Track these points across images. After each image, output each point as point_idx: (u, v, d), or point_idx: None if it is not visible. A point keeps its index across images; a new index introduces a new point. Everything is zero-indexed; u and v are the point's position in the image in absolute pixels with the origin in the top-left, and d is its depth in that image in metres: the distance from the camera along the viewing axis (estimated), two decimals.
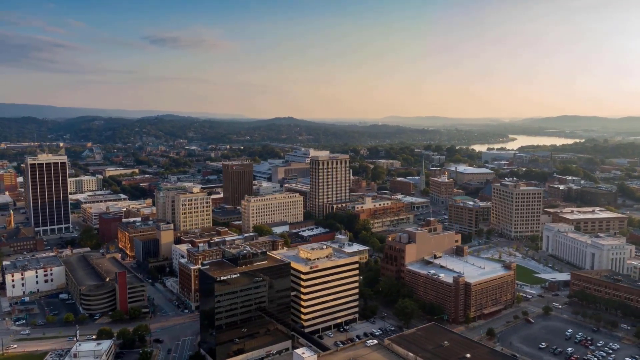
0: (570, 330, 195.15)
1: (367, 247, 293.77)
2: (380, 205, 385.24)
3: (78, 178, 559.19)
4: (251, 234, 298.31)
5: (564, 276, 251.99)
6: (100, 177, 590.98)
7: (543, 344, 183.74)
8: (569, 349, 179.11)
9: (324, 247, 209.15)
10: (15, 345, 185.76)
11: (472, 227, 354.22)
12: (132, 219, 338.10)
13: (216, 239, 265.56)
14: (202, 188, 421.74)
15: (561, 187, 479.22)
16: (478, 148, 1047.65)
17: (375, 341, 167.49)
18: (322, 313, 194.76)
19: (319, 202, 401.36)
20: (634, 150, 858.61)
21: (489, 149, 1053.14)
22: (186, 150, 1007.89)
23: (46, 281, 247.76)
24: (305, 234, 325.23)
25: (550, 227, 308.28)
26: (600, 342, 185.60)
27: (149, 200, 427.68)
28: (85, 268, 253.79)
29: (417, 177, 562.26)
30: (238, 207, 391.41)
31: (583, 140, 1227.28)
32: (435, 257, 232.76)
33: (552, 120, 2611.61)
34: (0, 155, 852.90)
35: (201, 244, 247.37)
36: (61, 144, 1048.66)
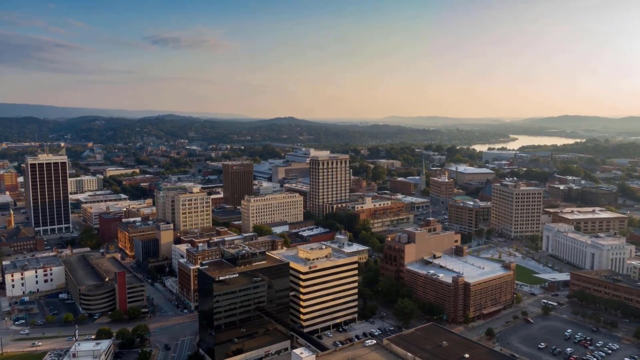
0: (569, 331, 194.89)
1: (367, 247, 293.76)
2: (380, 205, 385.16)
3: (78, 178, 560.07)
4: (251, 234, 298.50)
5: (564, 276, 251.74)
6: (101, 177, 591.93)
7: (542, 344, 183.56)
8: (568, 349, 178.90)
9: (323, 247, 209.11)
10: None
11: (472, 227, 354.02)
12: (132, 219, 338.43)
13: (215, 239, 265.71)
14: (202, 188, 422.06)
15: (561, 187, 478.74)
16: (479, 148, 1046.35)
17: (374, 341, 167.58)
18: (321, 313, 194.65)
19: (319, 202, 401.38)
20: (635, 150, 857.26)
21: (489, 149, 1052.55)
22: (187, 150, 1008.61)
23: (46, 281, 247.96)
24: (305, 234, 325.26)
25: (550, 227, 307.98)
26: (600, 342, 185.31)
27: (149, 200, 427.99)
28: (84, 268, 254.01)
29: (417, 177, 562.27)
30: (238, 207, 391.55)
31: (584, 140, 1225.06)
32: (434, 257, 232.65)
33: (553, 120, 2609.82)
34: (1, 155, 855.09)
35: (200, 244, 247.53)
36: (62, 144, 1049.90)
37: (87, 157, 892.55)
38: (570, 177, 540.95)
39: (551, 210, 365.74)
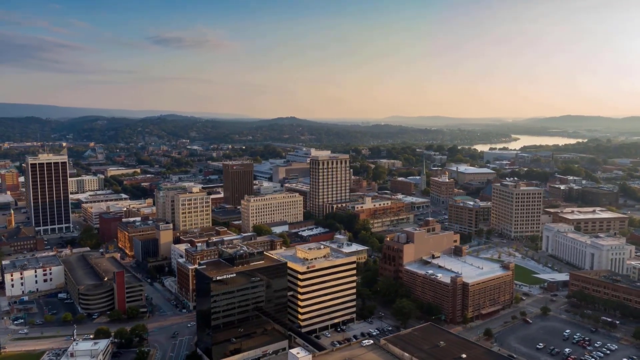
0: (568, 331, 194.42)
1: (366, 247, 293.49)
2: (380, 205, 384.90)
3: (79, 178, 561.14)
4: (250, 233, 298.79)
5: (563, 276, 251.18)
6: (102, 176, 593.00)
7: (540, 344, 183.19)
8: (567, 350, 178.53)
9: (322, 247, 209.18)
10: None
11: (472, 227, 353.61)
12: (132, 219, 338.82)
13: (214, 239, 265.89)
14: (202, 188, 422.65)
15: (562, 187, 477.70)
16: (480, 148, 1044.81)
17: (371, 341, 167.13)
18: (319, 313, 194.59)
19: (319, 202, 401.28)
20: (637, 150, 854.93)
21: (491, 148, 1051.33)
22: (188, 150, 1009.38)
23: (45, 280, 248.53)
24: (305, 233, 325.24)
25: (550, 227, 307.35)
26: (598, 342, 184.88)
27: (150, 200, 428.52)
28: (84, 268, 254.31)
29: (418, 177, 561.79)
30: (238, 207, 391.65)
31: (586, 140, 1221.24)
32: (433, 257, 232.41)
33: (555, 120, 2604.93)
34: (3, 155, 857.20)
35: (199, 244, 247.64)
36: (64, 144, 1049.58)
37: (88, 157, 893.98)
38: (571, 177, 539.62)
39: (551, 210, 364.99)
